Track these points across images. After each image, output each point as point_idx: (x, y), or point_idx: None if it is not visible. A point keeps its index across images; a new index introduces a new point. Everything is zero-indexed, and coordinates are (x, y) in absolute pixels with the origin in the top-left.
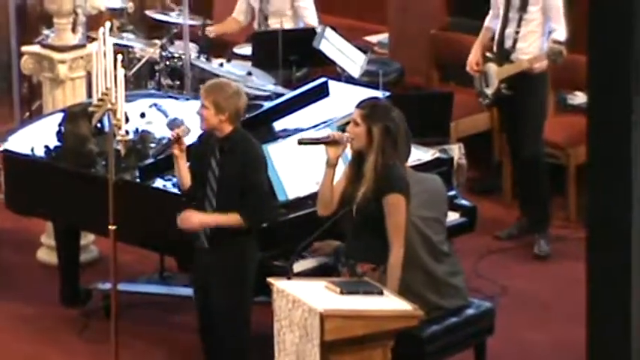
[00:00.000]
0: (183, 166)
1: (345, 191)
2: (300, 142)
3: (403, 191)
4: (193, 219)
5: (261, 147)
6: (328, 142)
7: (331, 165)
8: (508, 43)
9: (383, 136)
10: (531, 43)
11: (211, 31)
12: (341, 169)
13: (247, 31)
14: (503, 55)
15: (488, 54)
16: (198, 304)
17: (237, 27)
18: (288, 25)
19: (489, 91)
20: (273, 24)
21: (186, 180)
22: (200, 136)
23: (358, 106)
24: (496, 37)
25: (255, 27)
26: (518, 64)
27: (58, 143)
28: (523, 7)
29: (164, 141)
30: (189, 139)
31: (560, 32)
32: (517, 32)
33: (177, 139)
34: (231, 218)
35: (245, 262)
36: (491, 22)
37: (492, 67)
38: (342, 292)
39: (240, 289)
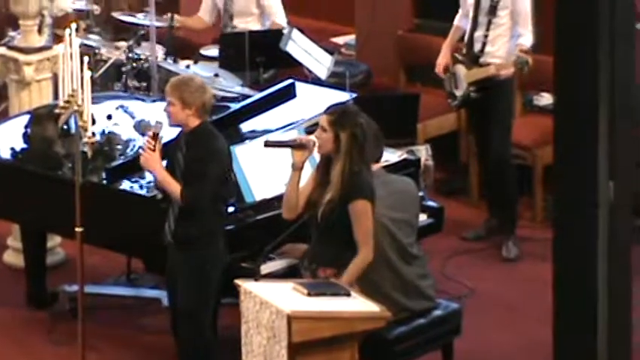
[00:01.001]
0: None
1: (311, 196)
2: (266, 145)
3: (369, 197)
4: (152, 163)
5: (224, 142)
6: (294, 145)
7: (297, 169)
8: (477, 47)
9: (350, 143)
10: (500, 47)
11: (177, 20)
12: (307, 172)
13: (214, 33)
14: (472, 58)
15: (457, 55)
16: (169, 301)
17: (201, 25)
18: (254, 24)
19: (458, 93)
20: (239, 24)
21: None
22: (177, 135)
23: (326, 111)
24: (465, 39)
25: (221, 27)
26: (486, 69)
27: (24, 145)
28: (492, 11)
29: (132, 144)
30: (165, 139)
31: (527, 37)
32: (486, 36)
33: (155, 138)
34: (174, 187)
35: (207, 263)
36: (461, 21)
37: (462, 70)
38: (309, 294)
39: (200, 290)
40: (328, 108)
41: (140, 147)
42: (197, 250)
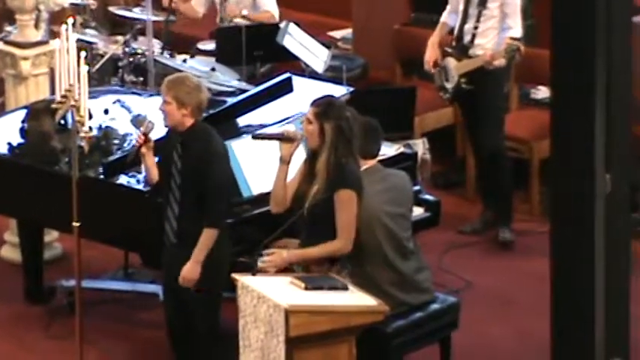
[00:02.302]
0: (150, 161)
1: (299, 189)
2: (255, 137)
3: (355, 187)
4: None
5: (221, 141)
6: (282, 138)
7: (284, 162)
8: (467, 39)
9: (335, 135)
10: (490, 40)
11: (174, 3)
12: (297, 166)
13: (211, 27)
14: (462, 50)
15: (447, 48)
16: (167, 303)
17: (192, 14)
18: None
19: (449, 86)
20: (232, 12)
21: (154, 175)
22: (167, 132)
23: (312, 104)
24: (455, 31)
25: (217, 20)
26: (477, 59)
27: (21, 140)
28: (482, 3)
29: (129, 139)
30: (156, 135)
31: (516, 30)
32: (476, 28)
33: (145, 141)
34: (207, 237)
35: (215, 256)
36: (448, 17)
37: (452, 62)
38: (306, 288)
39: (213, 285)
40: (314, 101)
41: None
42: None
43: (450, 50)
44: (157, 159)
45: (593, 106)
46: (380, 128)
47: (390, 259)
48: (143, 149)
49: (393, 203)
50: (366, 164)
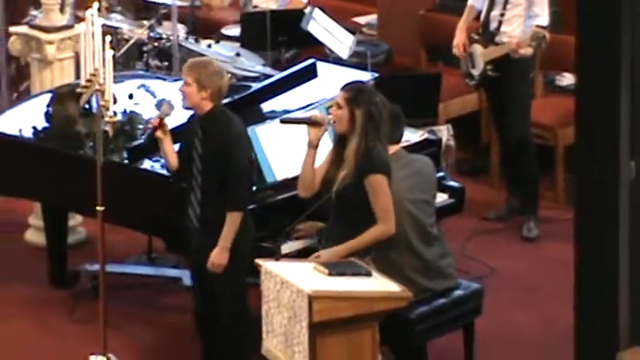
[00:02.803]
0: (168, 148)
1: (327, 174)
2: (282, 121)
3: (384, 172)
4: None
5: (241, 124)
6: (310, 122)
7: (312, 146)
8: (493, 26)
9: (365, 120)
10: (516, 27)
11: None
12: (325, 150)
13: (236, 13)
14: (488, 37)
15: (473, 35)
16: (195, 287)
17: (218, 3)
18: (274, 3)
19: (476, 72)
20: (260, 3)
21: (173, 161)
22: (190, 118)
23: (342, 88)
24: (482, 18)
25: (241, 5)
26: (503, 47)
27: (45, 124)
28: None
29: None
30: (177, 121)
31: (543, 18)
32: (502, 15)
33: (159, 124)
34: (232, 221)
35: (240, 241)
36: (476, 1)
37: (478, 49)
38: (330, 274)
39: (238, 268)
40: (345, 85)
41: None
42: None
43: (476, 37)
44: (177, 146)
45: (618, 93)
46: (402, 115)
47: (414, 245)
48: (158, 133)
49: (416, 189)
50: (389, 150)
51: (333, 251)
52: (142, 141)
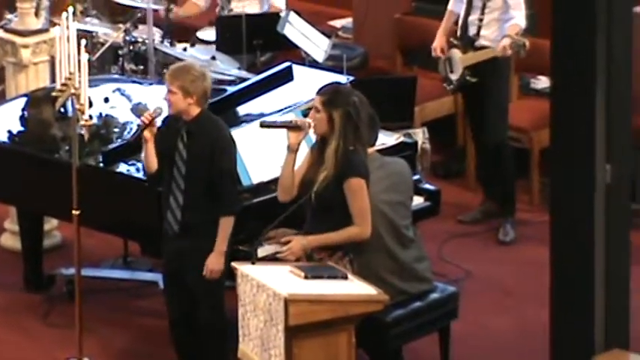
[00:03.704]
0: (151, 149)
1: (306, 176)
2: (262, 125)
3: (363, 175)
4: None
5: (228, 129)
6: (290, 126)
7: (292, 150)
8: (472, 30)
9: (344, 122)
10: (494, 31)
11: (175, 12)
12: (303, 154)
13: (211, 16)
14: (468, 42)
15: (452, 39)
16: (169, 293)
17: (196, 10)
18: (252, 8)
19: (454, 77)
20: (236, 7)
21: (154, 163)
22: (165, 119)
23: (318, 92)
24: (460, 23)
25: (217, 11)
26: (484, 52)
27: (21, 128)
28: None
29: (129, 127)
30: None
31: (520, 19)
32: (481, 20)
33: (150, 122)
34: (226, 225)
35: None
36: (455, 5)
37: (457, 53)
38: (306, 277)
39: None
40: (321, 88)
41: (138, 127)
42: (210, 234)
43: (455, 42)
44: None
45: (593, 96)
46: (377, 118)
47: (389, 246)
48: (146, 133)
49: (391, 191)
50: None
51: (306, 240)
52: (124, 144)
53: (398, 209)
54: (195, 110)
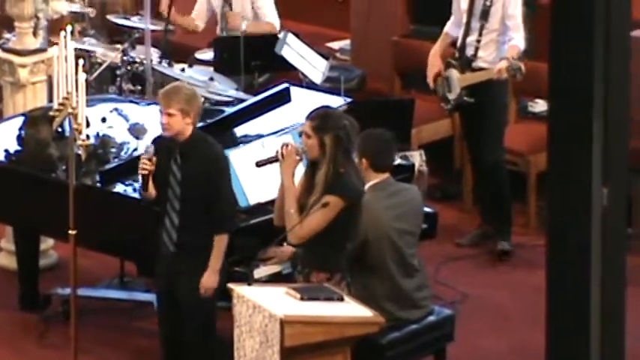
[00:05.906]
0: (152, 186)
1: (299, 200)
2: (258, 165)
3: (346, 197)
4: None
5: (220, 147)
6: (280, 158)
7: (287, 178)
8: (470, 52)
9: (335, 146)
10: (491, 52)
11: (173, 14)
12: (298, 176)
13: (209, 37)
14: (465, 63)
15: (450, 60)
16: (162, 312)
17: (193, 28)
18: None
19: (451, 97)
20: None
21: (153, 191)
22: (154, 140)
23: (308, 117)
24: (458, 44)
25: (217, 31)
26: (482, 73)
27: (18, 147)
28: (484, 17)
29: (126, 147)
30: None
31: (519, 41)
32: (478, 41)
33: (151, 162)
34: (221, 243)
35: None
36: (451, 28)
37: (455, 73)
38: (302, 298)
39: (212, 295)
40: (310, 113)
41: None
42: (206, 255)
43: (453, 62)
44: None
45: (591, 119)
46: (393, 140)
47: (393, 275)
48: (150, 186)
49: (403, 220)
50: (377, 178)
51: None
52: (121, 164)
53: (406, 238)
54: (189, 130)
